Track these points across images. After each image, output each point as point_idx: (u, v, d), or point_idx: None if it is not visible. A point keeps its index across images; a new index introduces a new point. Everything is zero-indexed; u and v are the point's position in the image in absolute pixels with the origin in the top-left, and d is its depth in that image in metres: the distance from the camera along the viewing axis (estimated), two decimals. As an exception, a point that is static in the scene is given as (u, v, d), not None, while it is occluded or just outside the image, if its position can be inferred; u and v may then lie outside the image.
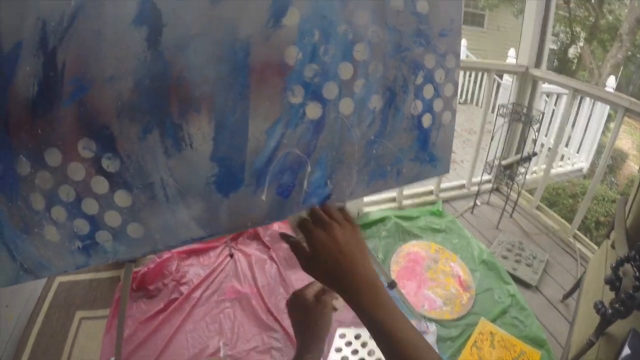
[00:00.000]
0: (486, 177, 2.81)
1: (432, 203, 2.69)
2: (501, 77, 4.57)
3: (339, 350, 1.54)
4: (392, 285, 1.45)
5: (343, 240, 0.65)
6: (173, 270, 1.90)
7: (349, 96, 0.86)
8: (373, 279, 0.62)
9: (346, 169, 0.92)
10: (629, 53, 8.24)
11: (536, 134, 2.50)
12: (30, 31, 0.65)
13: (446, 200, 2.78)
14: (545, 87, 2.99)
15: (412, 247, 2.21)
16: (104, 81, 0.70)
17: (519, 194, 2.62)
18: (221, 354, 1.58)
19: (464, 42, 6.39)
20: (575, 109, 3.76)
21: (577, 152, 4.22)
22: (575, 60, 9.94)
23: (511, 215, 2.64)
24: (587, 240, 2.44)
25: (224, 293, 1.84)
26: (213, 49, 0.75)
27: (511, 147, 2.88)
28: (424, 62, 0.95)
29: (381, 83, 0.89)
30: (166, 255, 1.93)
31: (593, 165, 4.26)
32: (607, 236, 1.70)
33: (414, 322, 1.59)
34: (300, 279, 1.85)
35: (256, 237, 2.15)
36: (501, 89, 4.44)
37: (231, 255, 2.02)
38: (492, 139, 2.63)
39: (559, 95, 3.55)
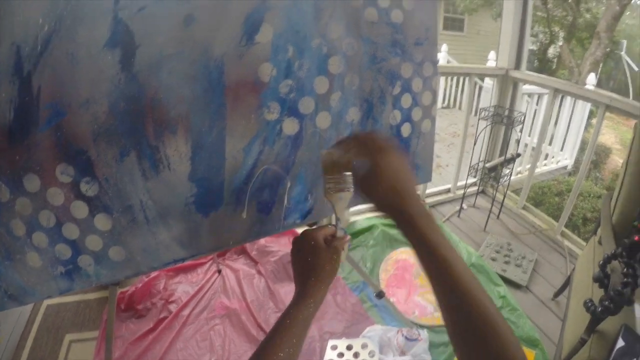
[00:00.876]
0: (471, 180, 2.83)
1: (419, 209, 2.68)
2: (483, 80, 4.62)
3: (331, 362, 1.53)
4: (380, 295, 1.44)
5: (404, 161, 0.62)
6: (161, 289, 1.87)
7: (326, 110, 0.86)
8: (424, 205, 0.59)
9: (326, 183, 0.91)
10: (608, 50, 8.41)
11: (519, 134, 2.53)
12: (5, 56, 0.64)
13: (432, 205, 2.79)
14: (526, 87, 3.02)
15: (401, 254, 2.20)
16: (79, 105, 0.69)
17: (504, 195, 2.64)
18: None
19: (444, 47, 6.45)
20: (557, 108, 3.81)
21: (561, 150, 4.26)
22: (555, 60, 10.10)
23: (498, 217, 2.66)
24: (575, 237, 2.47)
25: (213, 310, 1.81)
26: (187, 68, 0.75)
27: (495, 149, 2.90)
28: (401, 72, 0.96)
29: (358, 95, 0.90)
30: (154, 274, 1.90)
31: (577, 162, 4.31)
32: (594, 233, 1.71)
33: (404, 330, 1.60)
34: (289, 292, 1.84)
35: (243, 252, 2.13)
36: (483, 92, 4.48)
37: (219, 272, 2.00)
38: (475, 143, 2.65)
39: (540, 95, 3.59)
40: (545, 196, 3.75)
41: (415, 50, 0.97)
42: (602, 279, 1.24)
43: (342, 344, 1.58)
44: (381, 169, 0.59)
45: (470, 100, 2.80)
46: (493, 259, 2.21)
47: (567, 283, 1.83)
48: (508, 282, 2.06)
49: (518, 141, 2.75)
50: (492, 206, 2.56)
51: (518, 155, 2.57)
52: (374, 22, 0.89)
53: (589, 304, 1.20)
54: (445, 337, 1.70)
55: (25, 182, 0.70)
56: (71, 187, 0.73)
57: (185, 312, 1.79)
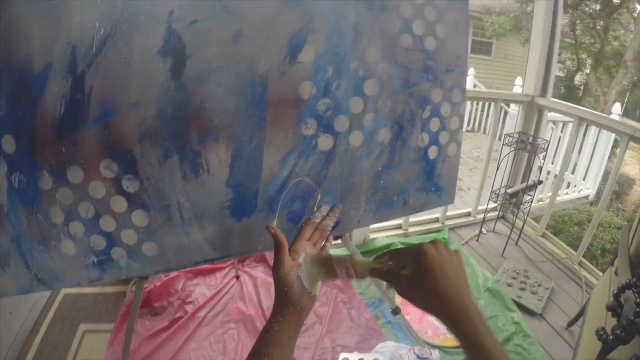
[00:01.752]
0: (492, 205, 2.83)
1: (438, 231, 2.70)
2: (509, 105, 4.62)
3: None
4: (397, 311, 1.46)
5: (451, 256, 0.60)
6: (179, 289, 1.91)
7: (359, 129, 0.90)
8: (476, 304, 0.56)
9: (354, 198, 0.95)
10: (635, 78, 8.29)
11: (542, 162, 2.52)
12: (60, 54, 0.70)
13: (452, 228, 2.79)
14: (551, 115, 3.02)
15: (417, 272, 2.19)
16: (128, 107, 0.75)
17: (524, 221, 2.62)
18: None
19: (471, 70, 6.45)
20: (582, 136, 3.78)
21: (584, 179, 4.21)
22: (582, 87, 10.00)
23: (517, 243, 2.64)
24: (593, 267, 2.43)
25: (229, 314, 1.84)
26: (233, 82, 0.80)
27: (517, 175, 2.90)
28: (431, 97, 1.00)
29: (389, 117, 0.94)
30: (173, 273, 1.94)
31: (599, 192, 4.24)
32: (612, 263, 1.69)
33: (416, 349, 1.61)
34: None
35: (262, 260, 2.16)
36: (508, 118, 4.47)
37: (237, 277, 2.03)
38: (497, 168, 2.66)
39: (565, 123, 3.57)
40: (565, 225, 3.71)
41: (446, 76, 1.01)
42: (615, 308, 1.23)
43: (353, 357, 1.60)
44: (427, 267, 0.57)
45: (495, 125, 2.81)
46: (509, 285, 2.20)
47: (581, 313, 1.81)
48: (523, 308, 2.04)
49: (541, 168, 2.73)
50: (511, 232, 2.55)
51: (540, 182, 2.56)
52: (409, 48, 0.93)
53: (601, 332, 1.19)
54: (456, 359, 1.71)
55: (69, 173, 0.75)
56: (113, 182, 0.77)
57: (201, 313, 1.82)
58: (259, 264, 2.14)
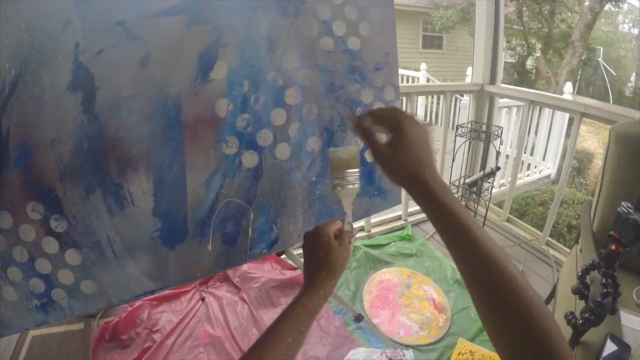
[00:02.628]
0: (454, 195, 2.85)
1: (402, 228, 2.69)
2: (463, 95, 4.69)
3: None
4: (359, 318, 1.43)
5: (428, 133, 0.62)
6: (145, 318, 1.85)
7: (285, 141, 0.88)
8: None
9: (291, 213, 0.92)
10: (583, 57, 8.62)
11: (499, 147, 2.56)
12: None
13: (415, 224, 2.77)
14: (504, 101, 3.08)
15: (384, 274, 2.20)
16: (45, 145, 0.72)
17: (487, 208, 2.66)
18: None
19: (423, 65, 6.54)
20: (536, 118, 3.87)
21: (543, 159, 4.32)
22: (534, 71, 10.32)
23: (482, 230, 2.66)
24: (561, 245, 2.48)
25: (197, 338, 1.79)
26: (145, 108, 0.76)
27: (475, 164, 2.94)
28: (361, 98, 0.98)
29: (317, 124, 0.91)
30: (137, 303, 1.88)
31: (560, 170, 4.35)
32: (577, 241, 1.69)
33: (388, 351, 1.59)
34: (272, 318, 1.81)
35: (226, 279, 2.11)
36: (460, 109, 4.55)
37: (202, 299, 1.98)
38: (453, 159, 2.68)
39: (518, 107, 3.64)
40: (529, 207, 3.79)
41: (375, 75, 0.99)
42: (581, 291, 1.21)
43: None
44: (408, 137, 0.59)
45: (447, 117, 2.83)
46: (478, 273, 2.21)
47: (552, 293, 1.82)
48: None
49: (499, 154, 2.78)
50: (475, 220, 2.58)
51: (498, 168, 2.60)
52: (330, 51, 0.91)
53: (570, 317, 1.17)
54: (431, 356, 1.70)
55: (-1, 219, 0.72)
56: (42, 223, 0.75)
57: (169, 341, 1.76)
58: (223, 284, 2.09)
